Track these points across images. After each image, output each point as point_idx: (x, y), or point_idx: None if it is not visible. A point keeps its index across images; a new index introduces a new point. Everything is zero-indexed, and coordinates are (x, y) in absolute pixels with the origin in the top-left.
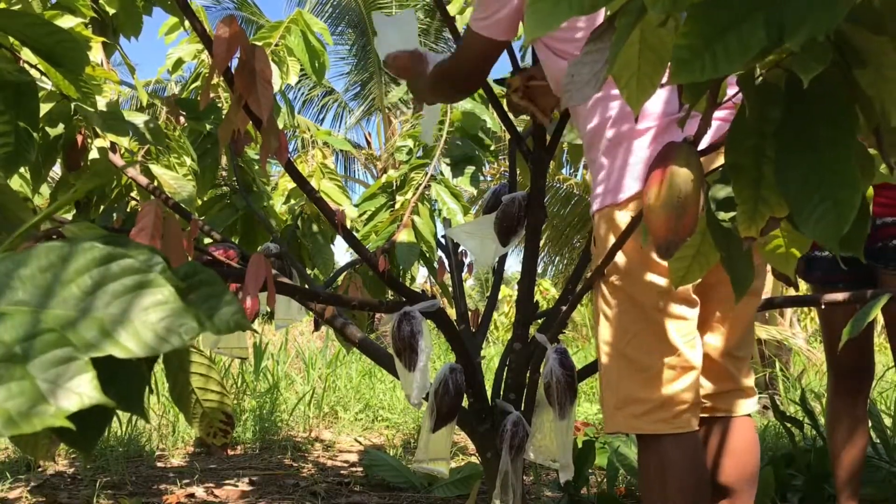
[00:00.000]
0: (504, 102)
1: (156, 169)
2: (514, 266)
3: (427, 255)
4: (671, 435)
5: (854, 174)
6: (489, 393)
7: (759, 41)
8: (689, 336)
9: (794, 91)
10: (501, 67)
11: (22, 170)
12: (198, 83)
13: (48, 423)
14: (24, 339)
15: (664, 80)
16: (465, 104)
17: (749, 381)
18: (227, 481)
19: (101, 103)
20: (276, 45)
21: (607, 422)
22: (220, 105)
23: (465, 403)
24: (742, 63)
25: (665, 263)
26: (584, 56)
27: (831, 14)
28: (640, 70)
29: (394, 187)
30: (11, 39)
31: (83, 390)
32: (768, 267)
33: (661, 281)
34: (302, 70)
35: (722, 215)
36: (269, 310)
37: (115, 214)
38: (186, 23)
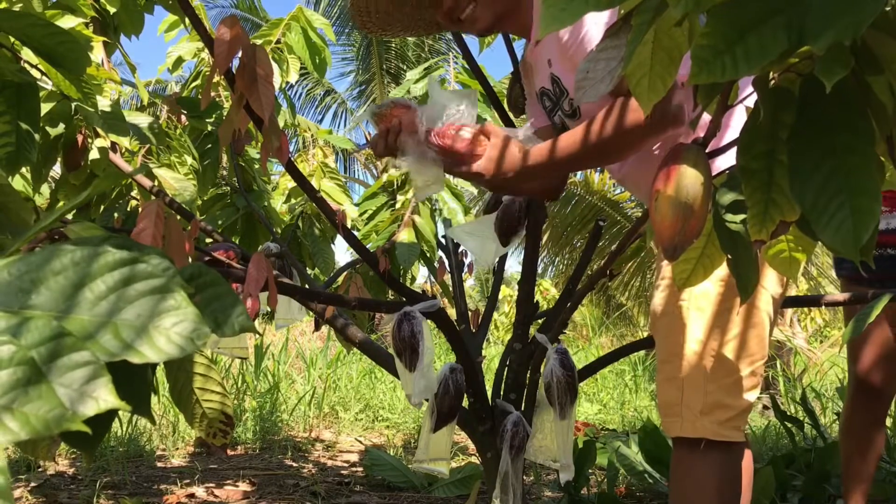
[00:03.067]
0: (504, 102)
1: (157, 170)
2: (514, 266)
3: (428, 254)
4: (736, 444)
5: (873, 182)
6: (489, 393)
7: (779, 44)
8: None
9: (808, 96)
10: (501, 69)
11: (23, 169)
12: (198, 82)
13: (65, 427)
14: (41, 343)
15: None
16: None
17: None
18: (227, 481)
19: (103, 103)
20: (278, 41)
21: (684, 425)
22: (220, 103)
23: (465, 403)
24: (762, 65)
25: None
26: (599, 53)
27: (858, 18)
28: (653, 70)
29: (394, 187)
30: (12, 39)
31: (99, 395)
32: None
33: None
34: (302, 71)
35: (729, 217)
36: (269, 310)
37: (115, 214)
38: (187, 20)
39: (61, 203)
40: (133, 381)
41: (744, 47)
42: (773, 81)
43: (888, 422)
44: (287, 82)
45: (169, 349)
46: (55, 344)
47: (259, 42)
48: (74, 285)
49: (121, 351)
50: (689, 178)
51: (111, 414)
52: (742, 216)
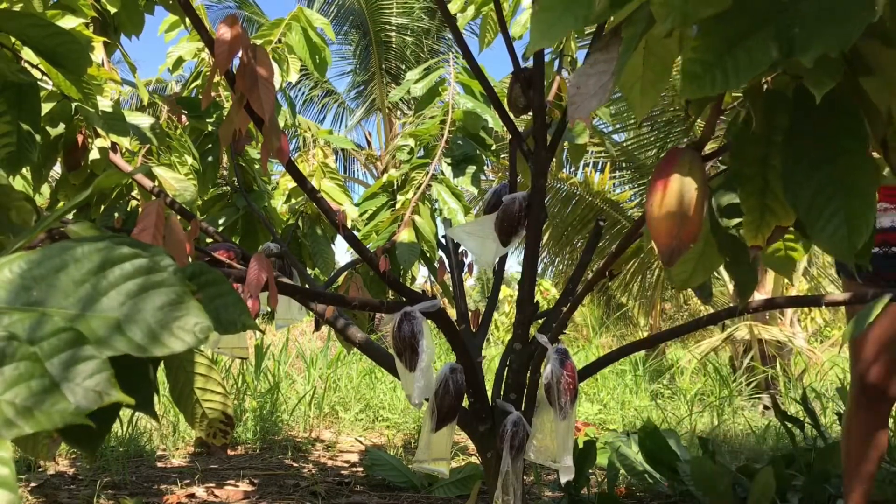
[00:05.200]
0: (504, 101)
1: (157, 170)
2: (514, 266)
3: (428, 254)
4: None
5: (870, 186)
6: (490, 393)
7: (768, 56)
8: None
9: (802, 99)
10: (502, 68)
11: (23, 169)
12: (198, 82)
13: (69, 421)
14: (44, 339)
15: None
16: (467, 103)
17: None
18: (227, 481)
19: (103, 103)
20: (279, 41)
21: None
22: (220, 103)
23: (465, 403)
24: (751, 77)
25: None
26: (590, 67)
27: (846, 29)
28: (644, 77)
29: (395, 187)
30: (13, 39)
31: (103, 389)
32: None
33: None
34: (302, 71)
35: (726, 221)
36: (269, 309)
37: (115, 214)
38: (187, 20)
39: (61, 203)
40: (136, 380)
41: (733, 60)
42: (766, 85)
43: (889, 422)
44: (288, 82)
45: (173, 344)
46: (58, 340)
47: (259, 42)
48: (76, 282)
49: (125, 347)
50: (683, 185)
51: (112, 413)
52: (738, 220)
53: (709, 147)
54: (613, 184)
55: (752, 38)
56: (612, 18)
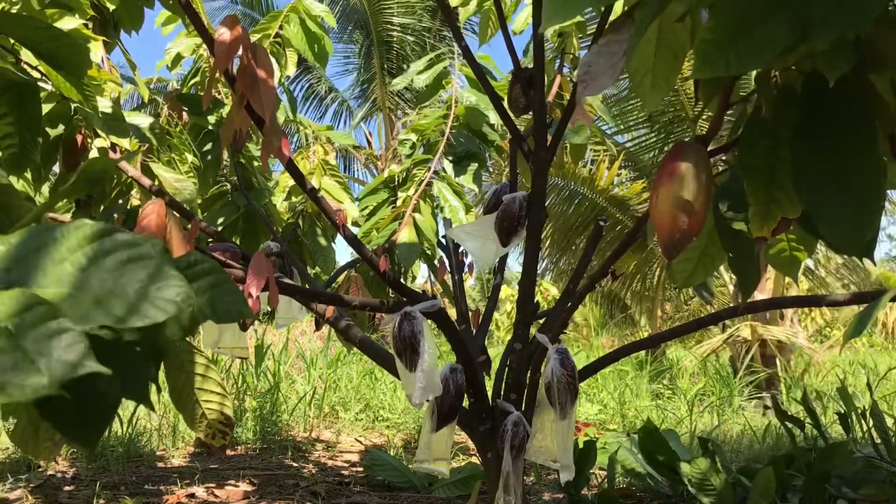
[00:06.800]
0: (505, 100)
1: (157, 169)
2: (514, 266)
3: (428, 252)
4: None
5: (878, 179)
6: (490, 393)
7: (783, 38)
8: None
9: (811, 94)
10: (502, 67)
11: None
12: (197, 79)
13: (41, 392)
14: (17, 314)
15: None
16: (471, 97)
17: None
18: (227, 481)
19: (103, 104)
20: (278, 33)
21: None
22: (221, 100)
23: (465, 403)
24: (766, 60)
25: None
26: (601, 46)
27: (863, 12)
28: (655, 68)
29: (396, 183)
30: (12, 40)
31: (76, 360)
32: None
33: None
34: (304, 68)
35: (731, 215)
36: (269, 309)
37: (115, 214)
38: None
39: (61, 203)
40: (129, 366)
41: (748, 42)
42: (774, 79)
43: (889, 422)
44: (287, 76)
45: (154, 314)
46: (32, 315)
47: (258, 36)
48: (55, 261)
49: (104, 319)
50: (689, 176)
51: (109, 408)
52: (743, 215)
53: (713, 144)
54: (622, 180)
55: (768, 20)
56: (624, 6)
